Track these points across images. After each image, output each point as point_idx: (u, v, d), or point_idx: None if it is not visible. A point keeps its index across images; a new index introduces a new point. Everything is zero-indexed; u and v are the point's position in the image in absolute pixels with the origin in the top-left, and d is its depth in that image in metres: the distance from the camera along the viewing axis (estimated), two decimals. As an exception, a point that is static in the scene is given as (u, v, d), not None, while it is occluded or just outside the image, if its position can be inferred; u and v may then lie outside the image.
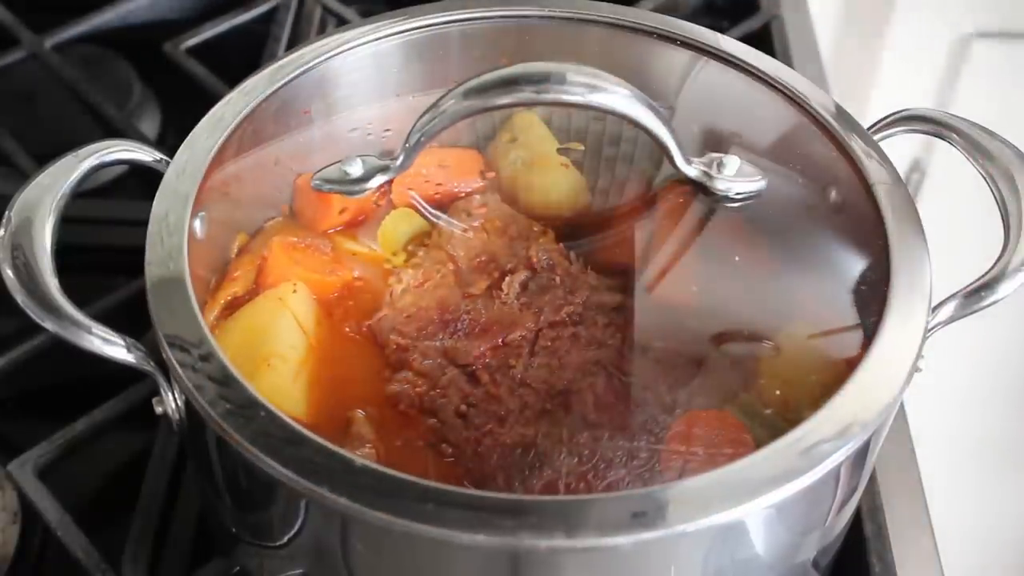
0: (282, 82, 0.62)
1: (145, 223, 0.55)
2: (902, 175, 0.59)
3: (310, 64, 0.63)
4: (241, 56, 0.89)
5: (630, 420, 0.54)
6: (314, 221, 0.61)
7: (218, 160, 0.58)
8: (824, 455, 0.47)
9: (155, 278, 0.52)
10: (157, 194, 0.56)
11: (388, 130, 0.64)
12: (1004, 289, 0.54)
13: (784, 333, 0.57)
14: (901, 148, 0.69)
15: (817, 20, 1.00)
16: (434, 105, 0.55)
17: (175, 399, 0.53)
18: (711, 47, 0.65)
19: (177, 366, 0.49)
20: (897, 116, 0.62)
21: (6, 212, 0.54)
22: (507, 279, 0.59)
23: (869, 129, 0.62)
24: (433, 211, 0.63)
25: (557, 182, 0.64)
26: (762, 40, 0.96)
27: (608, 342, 0.57)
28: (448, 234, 0.62)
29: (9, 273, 0.52)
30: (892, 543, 0.64)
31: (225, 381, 0.49)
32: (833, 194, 0.62)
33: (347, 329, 0.58)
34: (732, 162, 0.60)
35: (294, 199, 0.62)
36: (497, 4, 0.67)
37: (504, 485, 0.52)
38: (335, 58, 0.64)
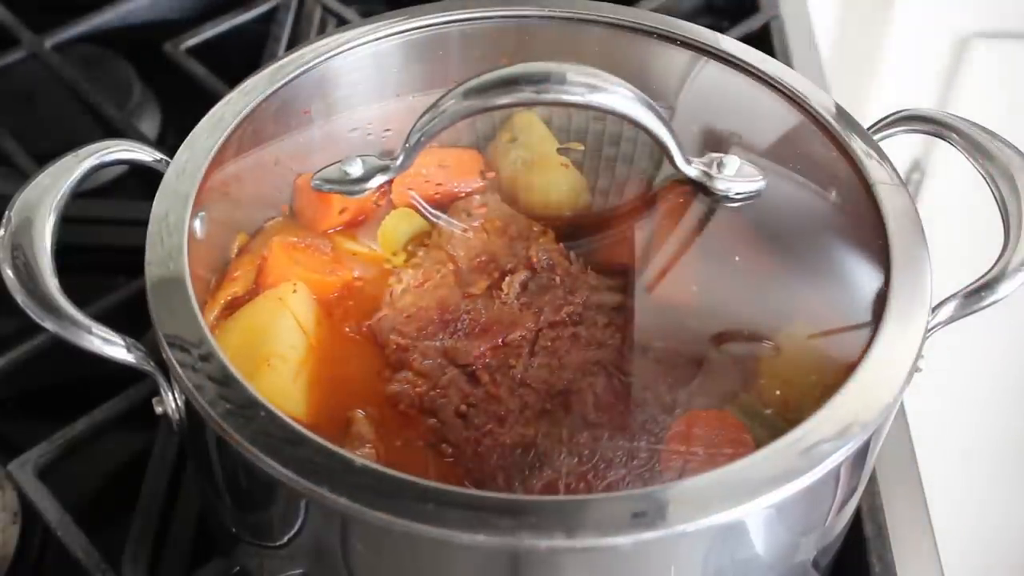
0: (282, 82, 0.62)
1: (145, 223, 0.55)
2: (902, 175, 0.59)
3: (310, 64, 0.63)
4: (241, 56, 0.89)
5: (630, 420, 0.54)
6: (314, 221, 0.61)
7: (218, 160, 0.58)
8: (824, 455, 0.47)
9: (155, 278, 0.52)
10: (157, 194, 0.56)
11: (388, 130, 0.64)
12: (1004, 289, 0.54)
13: (784, 333, 0.57)
14: (901, 148, 0.69)
15: (817, 20, 1.00)
16: (434, 105, 0.55)
17: (175, 399, 0.53)
18: (711, 47, 0.65)
19: (177, 366, 0.49)
20: (897, 116, 0.62)
21: (6, 212, 0.54)
22: (507, 279, 0.59)
23: (869, 129, 0.62)
24: (433, 211, 0.63)
25: (557, 182, 0.64)
26: (762, 40, 0.96)
27: (608, 342, 0.57)
28: (448, 234, 0.61)
29: (9, 273, 0.52)
30: (892, 543, 0.64)
31: (225, 381, 0.49)
32: (833, 194, 0.62)
33: (347, 329, 0.58)
34: (732, 162, 0.60)
35: (294, 199, 0.62)
36: (497, 4, 0.67)
37: (504, 485, 0.52)
38: (335, 58, 0.64)
